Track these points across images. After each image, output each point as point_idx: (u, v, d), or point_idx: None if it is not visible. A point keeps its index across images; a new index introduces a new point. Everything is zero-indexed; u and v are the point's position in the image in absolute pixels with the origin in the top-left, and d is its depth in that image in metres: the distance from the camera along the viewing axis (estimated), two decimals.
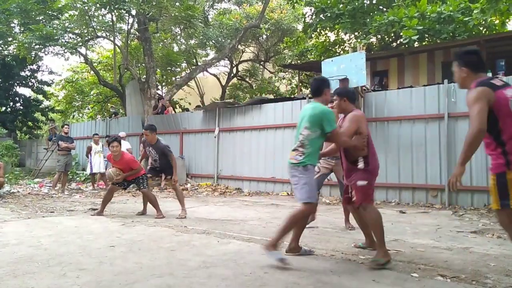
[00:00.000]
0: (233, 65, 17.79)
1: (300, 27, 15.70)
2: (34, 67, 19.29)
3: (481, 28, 10.52)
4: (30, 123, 20.46)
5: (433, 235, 4.65)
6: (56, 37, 11.97)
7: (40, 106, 20.59)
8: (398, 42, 12.18)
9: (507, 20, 8.63)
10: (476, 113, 2.50)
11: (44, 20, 12.69)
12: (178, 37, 17.31)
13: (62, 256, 3.52)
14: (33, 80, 19.68)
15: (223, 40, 15.44)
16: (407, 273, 3.08)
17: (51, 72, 20.03)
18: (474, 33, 10.09)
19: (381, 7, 12.40)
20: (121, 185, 6.21)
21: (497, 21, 9.58)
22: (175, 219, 5.69)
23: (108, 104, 19.86)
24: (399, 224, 5.44)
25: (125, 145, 9.94)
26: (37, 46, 12.55)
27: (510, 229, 2.57)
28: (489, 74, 8.27)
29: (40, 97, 20.81)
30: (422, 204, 7.26)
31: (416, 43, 10.48)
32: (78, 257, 3.48)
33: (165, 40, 16.93)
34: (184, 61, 17.96)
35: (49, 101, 22.22)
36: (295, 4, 13.70)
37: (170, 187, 10.28)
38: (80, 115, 23.23)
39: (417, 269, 3.20)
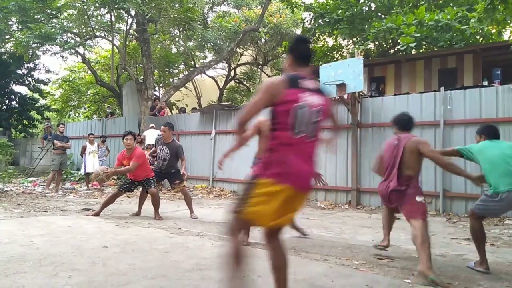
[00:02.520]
0: (231, 68, 17.81)
1: (298, 31, 15.76)
2: (31, 65, 19.20)
3: (478, 37, 10.63)
4: (25, 121, 20.34)
5: None
6: (54, 36, 11.93)
7: (36, 105, 20.48)
8: (395, 49, 12.27)
9: (504, 30, 8.71)
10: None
11: (42, 19, 12.66)
12: (177, 38, 17.32)
13: (55, 256, 3.48)
14: (29, 79, 19.58)
15: (222, 43, 15.46)
16: (401, 279, 3.08)
17: (48, 71, 19.96)
18: (471, 41, 10.19)
19: (379, 14, 12.49)
20: (127, 189, 6.08)
21: (493, 31, 9.69)
22: (170, 221, 5.67)
23: (105, 104, 19.78)
24: (394, 230, 5.42)
25: (155, 133, 10.43)
26: (35, 45, 12.50)
27: None
28: (485, 83, 8.36)
29: (36, 95, 20.71)
30: None
31: (414, 50, 10.55)
32: (71, 257, 3.44)
33: (164, 42, 16.93)
34: (182, 63, 17.96)
35: (45, 99, 22.11)
36: (294, 9, 13.77)
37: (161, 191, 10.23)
38: (76, 114, 23.14)
39: (410, 275, 3.20)
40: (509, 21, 5.74)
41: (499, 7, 5.45)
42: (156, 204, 5.97)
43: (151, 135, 10.72)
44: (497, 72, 8.87)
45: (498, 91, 6.86)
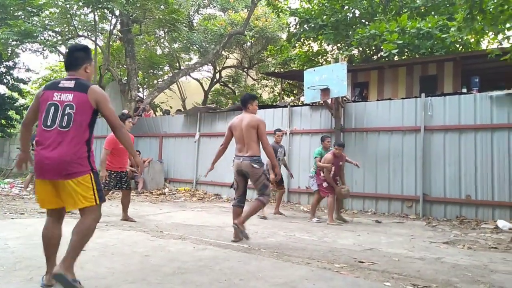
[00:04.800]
0: (217, 71, 17.77)
1: (284, 36, 15.88)
2: (10, 63, 18.70)
3: (457, 46, 10.91)
4: (3, 121, 19.76)
5: (407, 245, 4.74)
6: (35, 34, 11.66)
7: (15, 104, 19.94)
8: (378, 55, 12.48)
9: (482, 39, 8.98)
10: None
11: (23, 16, 12.37)
12: (162, 40, 17.18)
13: (30, 259, 3.39)
14: (8, 77, 19.04)
15: (207, 45, 15.41)
16: (381, 282, 3.12)
17: (28, 70, 19.48)
18: (451, 50, 10.46)
19: (363, 21, 12.70)
20: (114, 186, 5.77)
21: (472, 40, 9.97)
22: (151, 224, 5.58)
23: None
24: (375, 233, 5.52)
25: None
26: (14, 42, 12.19)
27: None
28: (464, 90, 8.59)
29: (16, 94, 20.17)
30: (398, 214, 7.39)
31: (396, 57, 10.77)
32: None
33: (148, 43, 16.77)
34: (167, 65, 17.82)
35: (25, 99, 21.56)
36: (280, 13, 13.87)
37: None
38: None
39: (390, 278, 3.24)
40: (487, 31, 5.92)
41: (478, 17, 5.62)
42: (127, 205, 5.78)
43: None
44: (475, 80, 9.12)
45: (476, 98, 7.05)
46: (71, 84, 2.66)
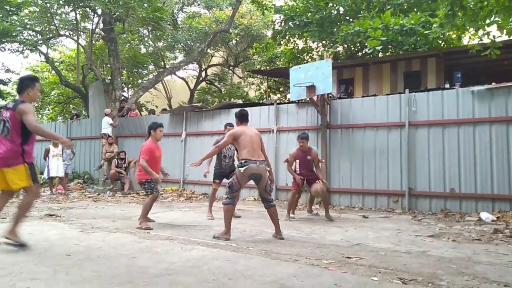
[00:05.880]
0: (202, 69, 17.66)
1: (269, 33, 15.87)
2: None
3: (440, 42, 11.09)
4: None
5: (394, 239, 4.80)
6: (14, 34, 11.37)
7: None
8: (363, 52, 12.59)
9: (463, 35, 9.15)
10: None
11: (0, 15, 12.04)
12: (146, 38, 16.98)
13: (13, 265, 3.30)
14: None
15: (192, 44, 15.31)
16: (368, 276, 3.15)
17: (8, 70, 18.95)
18: (433, 46, 10.62)
19: (347, 18, 12.78)
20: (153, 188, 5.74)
21: (454, 36, 10.16)
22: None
23: (70, 106, 19.07)
24: (362, 228, 5.57)
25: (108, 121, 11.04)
26: None
27: None
28: (447, 85, 8.74)
29: None
30: (384, 209, 7.48)
31: (380, 53, 10.88)
32: (30, 266, 3.27)
33: (132, 41, 16.55)
34: (152, 63, 17.63)
35: (5, 100, 21.03)
36: (265, 11, 13.85)
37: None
38: (40, 116, 22.14)
39: (377, 272, 3.27)
40: (467, 27, 6.02)
41: (459, 13, 5.71)
42: (149, 209, 5.69)
43: (105, 123, 11.12)
44: (457, 75, 9.29)
45: (459, 93, 7.18)
46: (11, 105, 3.81)
